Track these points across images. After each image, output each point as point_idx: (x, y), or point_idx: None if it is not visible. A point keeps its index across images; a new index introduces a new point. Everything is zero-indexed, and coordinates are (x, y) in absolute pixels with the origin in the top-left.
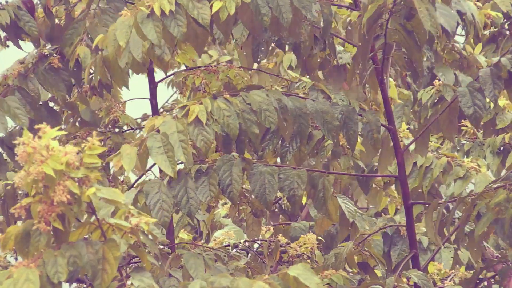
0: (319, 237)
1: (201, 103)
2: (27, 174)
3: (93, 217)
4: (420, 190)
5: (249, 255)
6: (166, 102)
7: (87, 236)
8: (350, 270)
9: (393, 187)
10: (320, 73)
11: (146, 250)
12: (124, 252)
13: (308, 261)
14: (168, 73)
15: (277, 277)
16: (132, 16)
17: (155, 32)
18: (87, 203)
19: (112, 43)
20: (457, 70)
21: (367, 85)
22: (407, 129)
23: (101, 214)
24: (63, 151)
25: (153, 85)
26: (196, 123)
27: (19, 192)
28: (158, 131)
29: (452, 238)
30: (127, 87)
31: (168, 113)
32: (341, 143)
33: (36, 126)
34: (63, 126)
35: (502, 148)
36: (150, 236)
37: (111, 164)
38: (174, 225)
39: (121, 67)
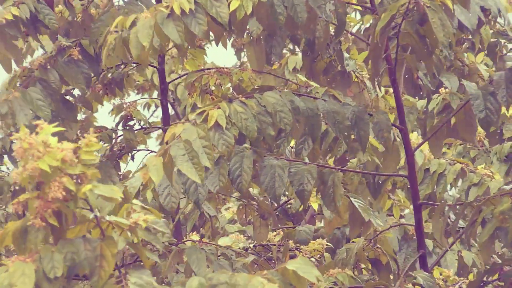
0: (327, 243)
1: (218, 108)
2: (23, 170)
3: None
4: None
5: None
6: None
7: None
8: (363, 267)
9: (399, 190)
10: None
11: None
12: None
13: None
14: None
15: (276, 272)
16: (152, 17)
17: (176, 31)
18: (86, 200)
19: (135, 45)
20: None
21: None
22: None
23: (103, 211)
24: (60, 148)
25: (163, 86)
26: (216, 127)
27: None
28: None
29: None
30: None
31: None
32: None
33: (34, 122)
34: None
35: (508, 155)
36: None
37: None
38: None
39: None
